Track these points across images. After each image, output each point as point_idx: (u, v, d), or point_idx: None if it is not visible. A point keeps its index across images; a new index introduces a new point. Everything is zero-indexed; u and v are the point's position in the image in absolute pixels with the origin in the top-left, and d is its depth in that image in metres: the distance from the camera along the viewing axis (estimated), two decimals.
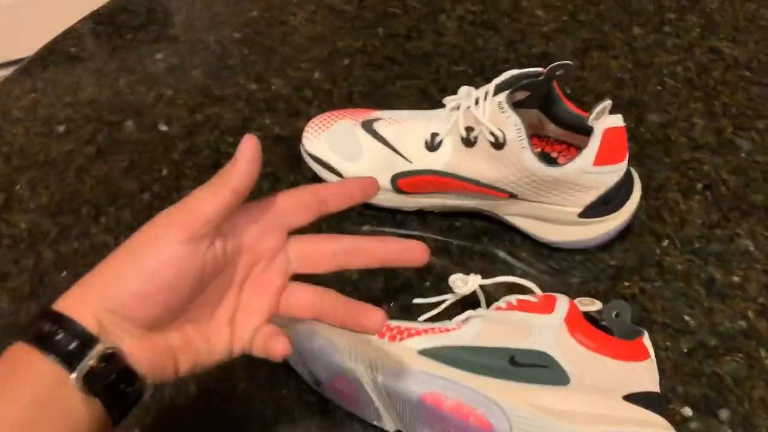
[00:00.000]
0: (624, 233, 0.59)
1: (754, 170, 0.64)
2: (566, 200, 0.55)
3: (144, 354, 0.35)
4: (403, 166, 0.59)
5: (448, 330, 0.46)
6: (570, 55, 0.75)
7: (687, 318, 0.55)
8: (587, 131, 0.55)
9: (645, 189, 0.63)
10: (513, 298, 0.50)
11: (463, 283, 0.52)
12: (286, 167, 0.66)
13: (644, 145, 0.66)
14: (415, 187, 0.59)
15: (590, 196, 0.55)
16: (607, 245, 0.59)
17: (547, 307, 0.48)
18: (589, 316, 0.50)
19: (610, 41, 0.77)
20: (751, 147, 0.66)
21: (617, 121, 0.52)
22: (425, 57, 0.76)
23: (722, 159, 0.65)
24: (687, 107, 0.70)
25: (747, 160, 0.65)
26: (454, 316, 0.55)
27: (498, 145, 0.54)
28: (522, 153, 0.53)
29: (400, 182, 0.59)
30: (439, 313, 0.55)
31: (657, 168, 0.65)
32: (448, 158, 0.57)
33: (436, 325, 0.47)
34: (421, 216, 0.62)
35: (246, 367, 0.53)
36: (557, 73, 0.54)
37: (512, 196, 0.56)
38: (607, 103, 0.51)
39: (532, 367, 0.45)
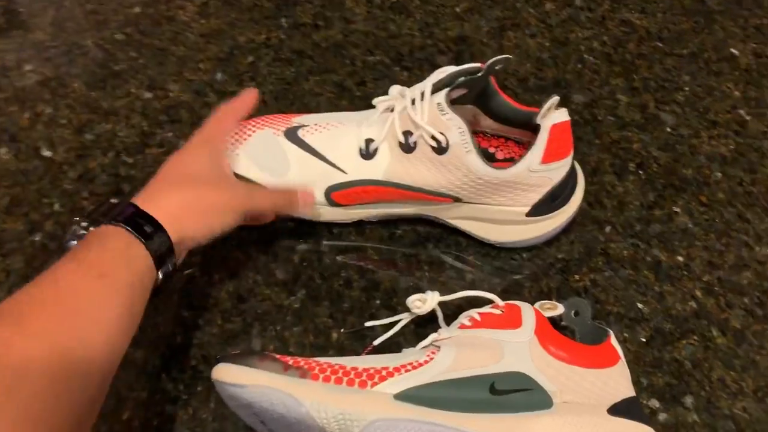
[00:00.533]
0: (567, 223, 0.58)
1: (681, 144, 0.64)
2: (513, 200, 0.52)
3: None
4: (338, 178, 0.53)
5: (420, 364, 0.43)
6: (486, 36, 0.72)
7: (640, 305, 0.54)
8: (526, 124, 0.52)
9: None
10: (475, 313, 0.47)
11: (422, 303, 0.49)
12: None
13: (573, 127, 0.64)
14: (352, 198, 0.54)
15: (537, 194, 0.52)
16: (553, 239, 0.57)
17: (514, 321, 0.46)
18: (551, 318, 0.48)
19: (525, 19, 0.74)
20: (674, 121, 0.66)
21: (563, 115, 0.50)
22: (337, 48, 0.71)
23: (650, 135, 0.65)
24: (609, 84, 0.69)
25: (673, 135, 0.65)
26: (411, 335, 0.52)
27: (440, 150, 0.50)
28: (467, 157, 0.49)
29: (335, 195, 0.54)
30: (394, 333, 0.51)
31: (589, 151, 0.63)
32: (386, 166, 0.52)
33: (407, 360, 0.43)
34: (360, 226, 0.57)
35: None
36: (497, 68, 0.50)
37: (456, 200, 0.53)
38: (555, 99, 0.48)
39: (515, 393, 0.42)
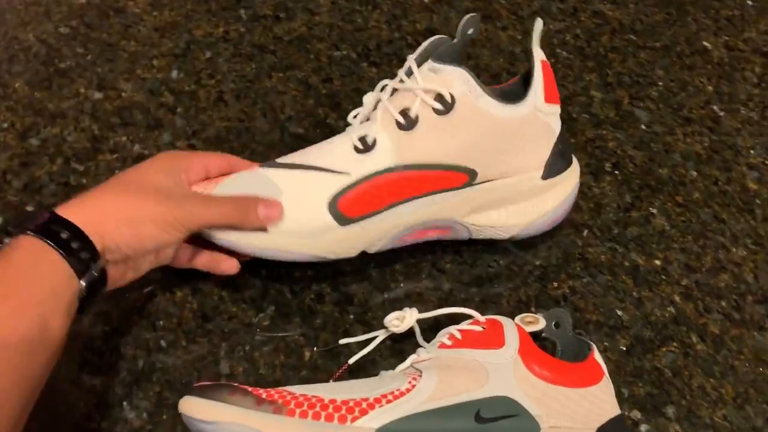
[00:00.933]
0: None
1: (656, 142, 0.63)
2: (527, 159, 0.50)
3: (110, 271, 0.43)
4: (341, 182, 0.48)
5: (402, 393, 0.40)
6: (456, 29, 0.69)
7: (620, 312, 0.53)
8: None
9: None
10: (456, 330, 0.45)
11: (400, 321, 0.46)
12: None
13: None
14: (363, 204, 0.48)
15: (546, 149, 0.51)
16: (530, 244, 0.55)
17: (497, 339, 0.44)
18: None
19: (496, 11, 0.72)
20: (649, 118, 0.65)
21: (541, 53, 0.50)
22: (300, 42, 0.67)
23: (624, 133, 0.63)
24: (582, 80, 0.67)
25: (648, 133, 0.64)
26: (387, 350, 0.50)
27: (446, 108, 0.47)
28: (478, 103, 0.47)
29: (343, 203, 0.48)
30: (370, 351, 0.49)
31: None
32: (390, 151, 0.48)
33: (387, 388, 0.41)
34: None
35: None
36: (469, 32, 0.48)
37: (471, 175, 0.49)
38: (540, 23, 0.50)
39: (500, 420, 0.40)
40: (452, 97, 0.47)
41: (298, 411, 0.39)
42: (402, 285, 0.53)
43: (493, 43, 0.69)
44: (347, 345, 0.50)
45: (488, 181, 0.50)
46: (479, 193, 0.50)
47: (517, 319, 0.48)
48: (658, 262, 0.56)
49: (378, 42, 0.68)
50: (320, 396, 0.40)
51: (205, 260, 0.50)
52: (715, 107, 0.66)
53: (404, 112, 0.48)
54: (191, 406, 0.39)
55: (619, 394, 0.49)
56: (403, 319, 0.46)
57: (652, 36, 0.71)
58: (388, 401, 0.40)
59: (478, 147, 0.49)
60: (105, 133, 0.59)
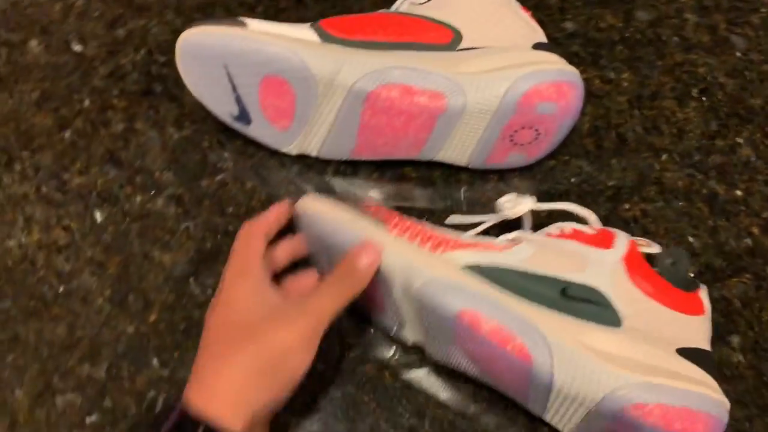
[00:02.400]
0: (621, 149, 0.54)
1: (751, 71, 0.59)
2: (515, 34, 0.50)
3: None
4: None
5: (496, 247, 0.41)
6: None
7: (691, 239, 0.51)
8: None
9: (638, 97, 0.57)
10: (567, 226, 0.45)
11: (513, 205, 0.46)
12: None
13: (635, 47, 0.60)
14: (345, 26, 0.48)
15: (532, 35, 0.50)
16: (604, 165, 0.54)
17: (605, 242, 0.43)
18: None
19: None
20: (746, 45, 0.61)
21: None
22: None
23: (717, 60, 0.60)
24: (677, 1, 0.63)
25: (743, 60, 0.60)
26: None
27: None
28: None
29: (325, 22, 0.48)
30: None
31: (650, 73, 0.59)
32: None
33: (482, 240, 0.42)
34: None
35: None
36: None
37: (456, 36, 0.49)
38: None
39: (584, 302, 0.40)
40: None
41: (396, 230, 0.41)
42: (466, 194, 0.53)
43: None
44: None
45: (474, 48, 0.49)
46: (464, 53, 0.49)
47: (637, 240, 0.46)
48: (739, 193, 0.53)
49: None
50: (419, 225, 0.42)
51: None
52: None
53: None
54: (308, 203, 0.43)
55: None
56: (518, 204, 0.46)
57: None
58: (481, 249, 0.41)
59: (467, 7, 0.49)
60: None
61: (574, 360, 0.38)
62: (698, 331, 0.42)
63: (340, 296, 0.40)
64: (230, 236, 0.51)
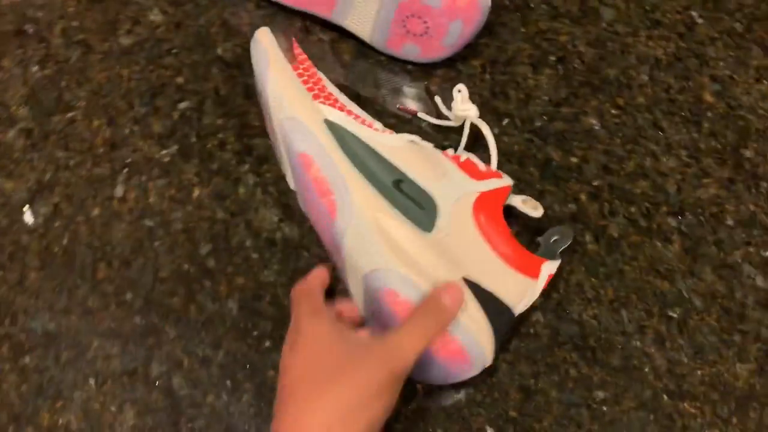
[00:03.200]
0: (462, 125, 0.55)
1: (614, 42, 0.59)
2: None
3: None
4: None
5: (370, 126, 0.45)
6: None
7: None
8: None
9: (493, 63, 0.58)
10: (466, 155, 0.47)
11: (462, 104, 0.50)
12: (100, 35, 0.59)
13: (500, 12, 0.60)
14: None
15: None
16: (443, 128, 0.54)
17: (480, 175, 0.46)
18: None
19: None
20: (613, 16, 0.60)
21: None
22: None
23: (581, 29, 0.59)
24: None
25: (608, 31, 0.59)
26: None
27: None
28: None
29: None
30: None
31: (510, 39, 0.59)
32: None
33: (367, 117, 0.46)
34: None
35: None
36: None
37: None
38: None
39: (410, 200, 0.43)
40: None
41: (296, 72, 0.46)
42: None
43: None
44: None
45: None
46: None
47: (520, 197, 0.47)
48: (574, 160, 0.54)
49: None
50: (320, 77, 0.47)
51: None
52: (694, 13, 0.60)
53: None
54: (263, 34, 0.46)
55: None
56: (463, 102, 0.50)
57: None
58: (354, 118, 0.45)
59: None
60: None
61: (362, 232, 0.42)
62: (507, 284, 0.43)
63: (426, 335, 0.39)
64: (69, 170, 0.53)
